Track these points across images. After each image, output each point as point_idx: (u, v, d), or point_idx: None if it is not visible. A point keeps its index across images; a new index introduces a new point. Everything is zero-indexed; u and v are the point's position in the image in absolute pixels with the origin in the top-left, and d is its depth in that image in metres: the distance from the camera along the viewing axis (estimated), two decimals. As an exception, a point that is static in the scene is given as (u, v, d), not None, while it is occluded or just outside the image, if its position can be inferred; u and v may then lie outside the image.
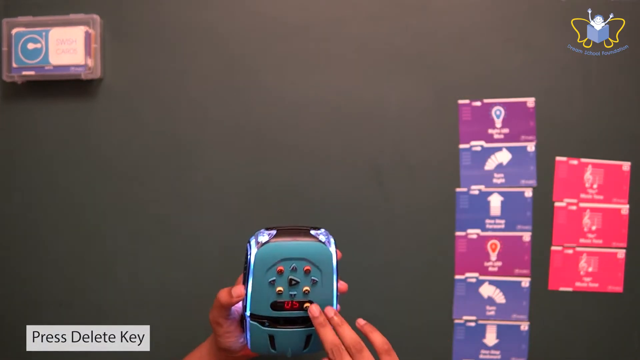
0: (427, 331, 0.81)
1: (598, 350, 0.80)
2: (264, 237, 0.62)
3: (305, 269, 0.62)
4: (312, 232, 0.63)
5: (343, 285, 0.66)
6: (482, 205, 0.80)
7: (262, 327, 0.63)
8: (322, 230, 0.64)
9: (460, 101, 0.80)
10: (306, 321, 0.63)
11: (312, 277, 0.62)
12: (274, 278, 0.62)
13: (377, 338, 0.63)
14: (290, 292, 0.63)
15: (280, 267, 0.62)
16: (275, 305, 0.63)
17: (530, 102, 0.79)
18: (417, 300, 0.81)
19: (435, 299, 0.81)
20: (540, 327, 0.80)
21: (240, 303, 0.65)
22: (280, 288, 0.62)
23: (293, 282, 0.62)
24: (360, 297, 0.80)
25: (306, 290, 0.63)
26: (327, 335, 0.62)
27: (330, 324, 0.63)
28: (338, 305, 0.65)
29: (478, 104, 0.80)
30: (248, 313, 0.63)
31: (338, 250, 0.65)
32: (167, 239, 0.82)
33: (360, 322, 0.65)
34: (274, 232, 0.63)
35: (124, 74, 0.83)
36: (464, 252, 0.80)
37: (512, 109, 0.80)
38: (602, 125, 0.79)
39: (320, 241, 0.62)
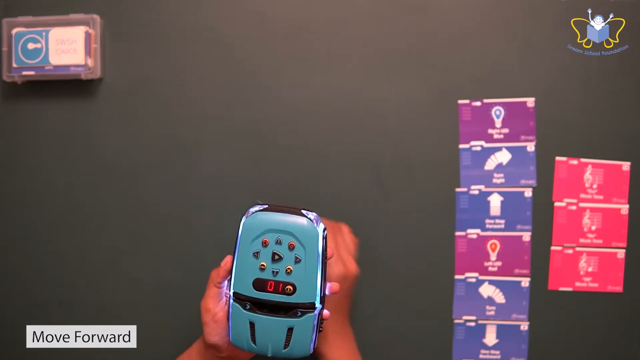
0: (427, 331, 0.81)
1: (598, 351, 0.79)
2: (254, 208, 0.65)
3: (289, 243, 0.63)
4: (303, 211, 0.64)
5: (334, 285, 0.66)
6: (482, 205, 0.80)
7: (244, 310, 0.63)
8: (314, 214, 0.65)
9: (460, 101, 0.80)
10: (288, 311, 0.63)
11: (296, 254, 0.63)
12: (258, 250, 0.63)
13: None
14: (273, 269, 0.63)
15: (265, 239, 0.63)
16: (258, 285, 0.63)
17: (530, 102, 0.79)
18: (417, 300, 0.81)
19: (435, 299, 0.81)
20: (540, 327, 0.80)
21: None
22: (263, 263, 0.63)
23: (276, 257, 0.63)
24: (360, 297, 0.80)
25: (289, 269, 0.63)
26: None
27: None
28: (326, 311, 0.64)
29: (478, 104, 0.80)
30: (232, 292, 0.64)
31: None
32: (167, 239, 0.82)
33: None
34: (265, 206, 0.65)
35: (124, 74, 0.83)
36: (463, 252, 0.80)
37: (512, 109, 0.80)
38: (602, 125, 0.79)
39: (309, 218, 0.63)
